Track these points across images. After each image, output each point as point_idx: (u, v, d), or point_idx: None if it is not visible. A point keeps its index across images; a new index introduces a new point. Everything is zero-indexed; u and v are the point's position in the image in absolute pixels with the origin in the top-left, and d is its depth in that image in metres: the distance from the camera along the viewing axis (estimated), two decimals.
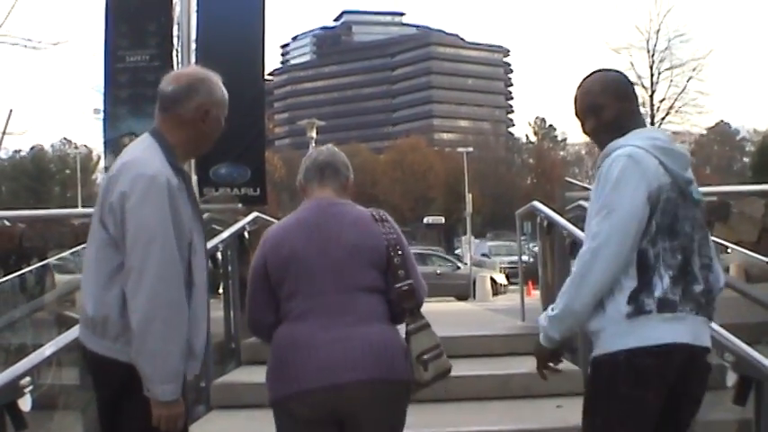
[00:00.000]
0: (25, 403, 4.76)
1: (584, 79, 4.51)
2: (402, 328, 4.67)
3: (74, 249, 8.80)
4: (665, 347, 4.05)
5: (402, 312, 4.63)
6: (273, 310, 4.61)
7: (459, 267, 39.71)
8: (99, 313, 4.04)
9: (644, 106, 59.37)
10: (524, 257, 19.52)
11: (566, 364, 8.75)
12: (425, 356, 4.60)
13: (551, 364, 4.47)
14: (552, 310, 4.22)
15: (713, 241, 4.50)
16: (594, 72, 4.55)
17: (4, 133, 24.42)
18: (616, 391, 4.07)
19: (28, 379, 4.87)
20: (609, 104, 4.35)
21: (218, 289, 9.65)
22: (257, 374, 8.14)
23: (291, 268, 4.53)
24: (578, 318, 4.17)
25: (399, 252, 4.60)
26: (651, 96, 59.33)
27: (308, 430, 4.50)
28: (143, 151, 4.28)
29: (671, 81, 59.70)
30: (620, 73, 4.56)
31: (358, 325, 4.46)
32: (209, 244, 8.51)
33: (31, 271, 9.45)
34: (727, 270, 8.69)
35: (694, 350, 4.15)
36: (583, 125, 4.48)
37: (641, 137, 4.24)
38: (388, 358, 4.46)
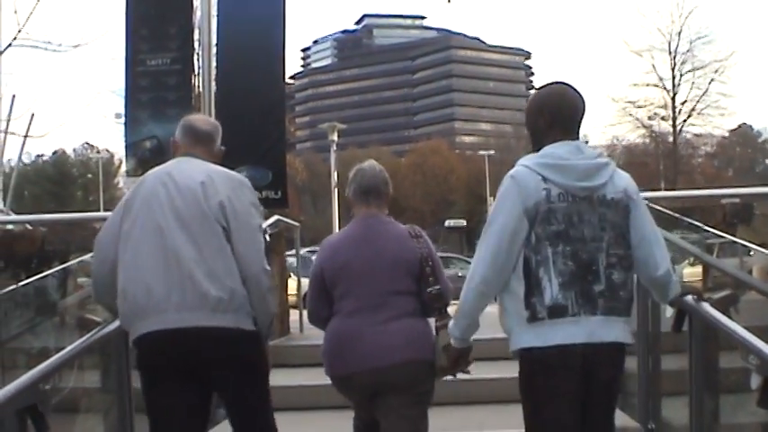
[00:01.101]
0: (46, 406, 4.76)
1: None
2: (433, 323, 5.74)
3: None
4: (560, 347, 4.59)
5: (432, 310, 5.72)
6: (328, 306, 5.78)
7: None
8: (227, 290, 4.99)
9: (665, 108, 59.29)
10: None
11: None
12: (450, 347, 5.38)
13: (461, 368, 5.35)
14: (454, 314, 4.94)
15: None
16: (548, 86, 5.12)
17: (25, 137, 24.50)
18: (534, 382, 4.69)
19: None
20: (529, 115, 5.00)
21: None
22: (281, 377, 8.17)
23: (343, 274, 5.71)
24: (470, 317, 4.88)
25: (430, 263, 5.74)
26: (673, 99, 59.12)
27: (355, 396, 5.86)
28: (213, 166, 5.37)
29: (693, 83, 59.41)
30: (562, 92, 4.98)
31: (394, 320, 5.61)
32: None
33: (53, 274, 9.46)
34: (750, 272, 8.64)
35: (594, 347, 4.63)
36: None
37: (537, 155, 4.81)
38: (417, 344, 5.61)
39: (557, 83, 5.09)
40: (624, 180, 4.87)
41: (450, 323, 5.05)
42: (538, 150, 4.86)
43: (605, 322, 4.67)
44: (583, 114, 4.96)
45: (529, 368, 4.71)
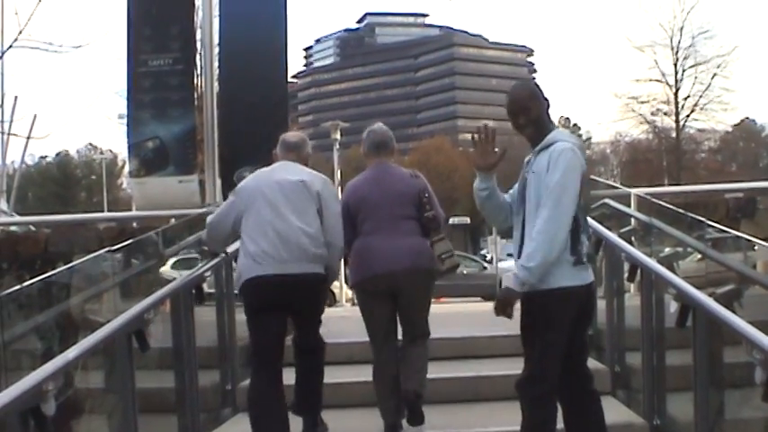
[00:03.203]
0: (49, 408, 4.74)
1: (513, 88, 6.37)
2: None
3: (98, 253, 8.79)
4: (588, 284, 5.98)
5: (428, 230, 7.74)
6: (353, 230, 7.73)
7: (485, 268, 39.50)
8: (318, 249, 7.28)
9: (668, 104, 59.07)
10: None
11: (593, 363, 8.73)
12: (443, 256, 7.71)
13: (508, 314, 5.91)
14: (528, 261, 5.71)
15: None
16: (518, 82, 6.66)
17: (28, 138, 24.49)
18: (550, 313, 5.80)
19: (52, 383, 4.85)
20: (536, 101, 6.10)
21: None
22: (284, 377, 8.13)
23: (362, 206, 7.73)
24: (549, 266, 5.73)
25: (426, 195, 7.78)
26: (675, 94, 58.89)
27: (375, 298, 7.69)
28: (306, 168, 7.68)
29: (695, 78, 59.11)
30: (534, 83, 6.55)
31: (403, 237, 7.63)
32: (232, 247, 8.56)
33: (56, 275, 9.44)
34: (754, 267, 8.63)
35: (594, 283, 6.19)
36: (516, 121, 6.12)
37: (566, 136, 6.13)
38: (419, 255, 7.62)
39: (525, 80, 6.31)
40: None
41: (524, 273, 5.73)
42: (543, 135, 6.02)
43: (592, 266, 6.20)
44: None
45: (558, 302, 5.79)
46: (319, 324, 7.71)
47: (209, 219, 7.80)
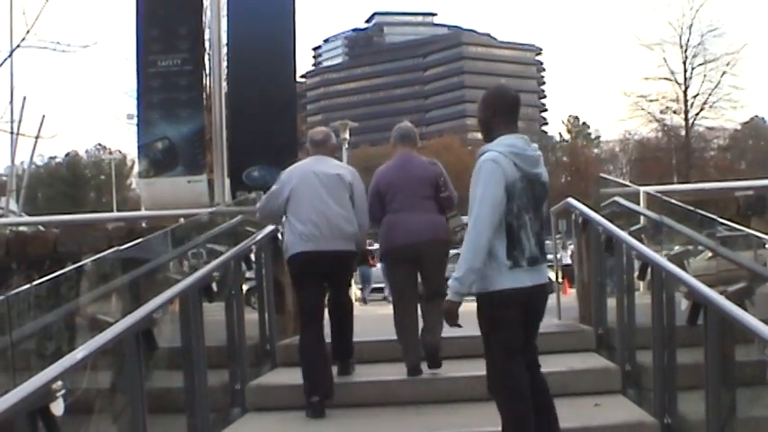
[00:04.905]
0: (58, 407, 4.73)
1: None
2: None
3: (106, 252, 8.79)
4: (528, 287, 6.23)
5: (444, 207, 9.08)
6: (382, 209, 9.09)
7: None
8: (352, 229, 8.68)
9: (677, 102, 58.90)
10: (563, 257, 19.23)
11: (603, 362, 8.70)
12: (456, 229, 9.02)
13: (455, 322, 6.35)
14: (456, 272, 6.12)
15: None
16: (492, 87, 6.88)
17: (37, 138, 24.46)
18: (493, 314, 6.22)
19: (60, 383, 4.83)
20: (481, 112, 6.49)
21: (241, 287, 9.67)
22: (292, 376, 8.15)
23: (390, 188, 9.05)
24: (477, 272, 6.12)
25: (442, 179, 9.11)
26: (685, 92, 58.74)
27: (399, 264, 9.04)
28: (339, 162, 9.48)
29: (705, 76, 58.93)
30: (503, 90, 6.80)
31: (423, 214, 8.95)
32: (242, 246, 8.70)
33: (65, 275, 9.46)
34: (765, 264, 8.60)
35: (540, 286, 6.38)
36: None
37: (503, 144, 6.29)
38: (437, 229, 8.97)
39: (499, 85, 7.13)
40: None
41: (455, 284, 6.18)
42: (490, 139, 6.39)
43: (543, 269, 6.42)
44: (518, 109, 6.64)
45: (499, 303, 6.18)
46: (349, 287, 9.60)
47: (258, 205, 9.34)
